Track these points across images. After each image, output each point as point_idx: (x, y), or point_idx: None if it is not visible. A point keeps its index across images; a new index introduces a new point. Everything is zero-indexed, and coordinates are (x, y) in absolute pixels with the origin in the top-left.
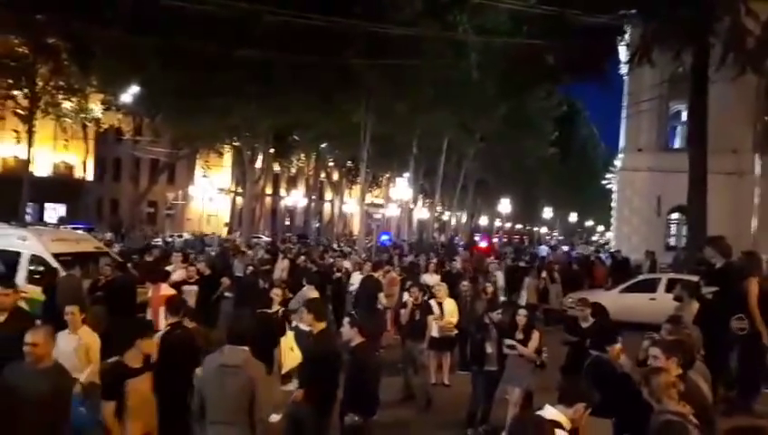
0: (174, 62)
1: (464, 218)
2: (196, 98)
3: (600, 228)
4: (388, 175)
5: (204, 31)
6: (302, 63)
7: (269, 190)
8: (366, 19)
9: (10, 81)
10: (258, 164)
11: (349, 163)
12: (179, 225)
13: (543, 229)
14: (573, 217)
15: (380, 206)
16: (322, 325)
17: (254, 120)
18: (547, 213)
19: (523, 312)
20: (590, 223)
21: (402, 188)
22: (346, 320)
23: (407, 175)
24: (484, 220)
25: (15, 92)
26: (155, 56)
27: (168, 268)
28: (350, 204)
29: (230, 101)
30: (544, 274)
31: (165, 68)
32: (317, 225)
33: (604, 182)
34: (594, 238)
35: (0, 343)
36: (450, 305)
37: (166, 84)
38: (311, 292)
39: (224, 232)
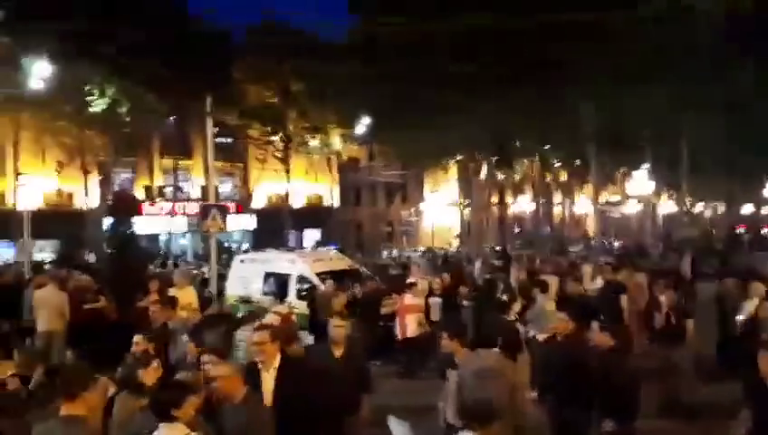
0: (394, 90)
1: (720, 208)
2: (417, 120)
3: None
4: (623, 170)
5: (417, 53)
6: (516, 67)
7: (496, 199)
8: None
9: (268, 129)
10: (483, 175)
11: (576, 162)
12: (415, 240)
13: None
14: None
15: (617, 204)
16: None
17: (473, 133)
18: None
19: None
20: None
21: (640, 181)
22: (594, 325)
23: (645, 167)
24: (748, 208)
25: (273, 138)
26: (378, 87)
27: (411, 280)
28: (582, 204)
29: (448, 118)
30: None
31: (386, 97)
32: (548, 229)
33: None
34: None
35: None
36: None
37: (389, 112)
38: (546, 302)
39: (455, 244)
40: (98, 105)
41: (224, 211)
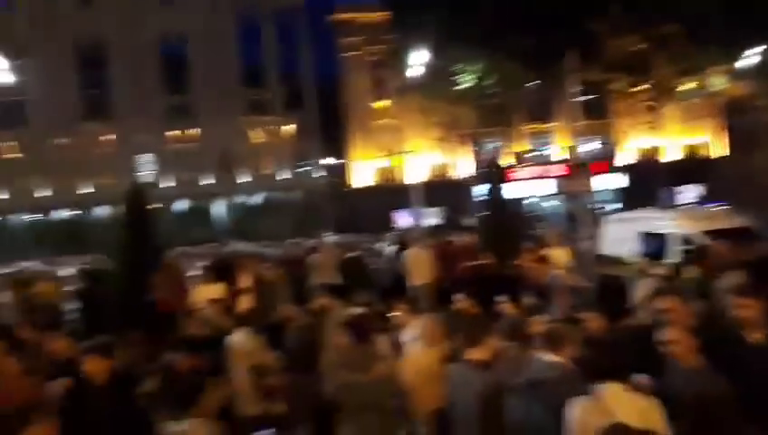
0: None
1: None
2: None
3: None
4: None
5: None
6: None
7: None
8: None
9: (635, 79)
10: None
11: None
12: None
13: None
14: None
15: None
16: None
17: None
18: None
19: None
20: None
21: None
22: None
23: None
24: None
25: (642, 87)
26: None
27: None
28: None
29: None
30: None
31: None
32: None
33: None
34: None
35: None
36: None
37: None
38: None
39: None
40: (467, 81)
41: (588, 171)
